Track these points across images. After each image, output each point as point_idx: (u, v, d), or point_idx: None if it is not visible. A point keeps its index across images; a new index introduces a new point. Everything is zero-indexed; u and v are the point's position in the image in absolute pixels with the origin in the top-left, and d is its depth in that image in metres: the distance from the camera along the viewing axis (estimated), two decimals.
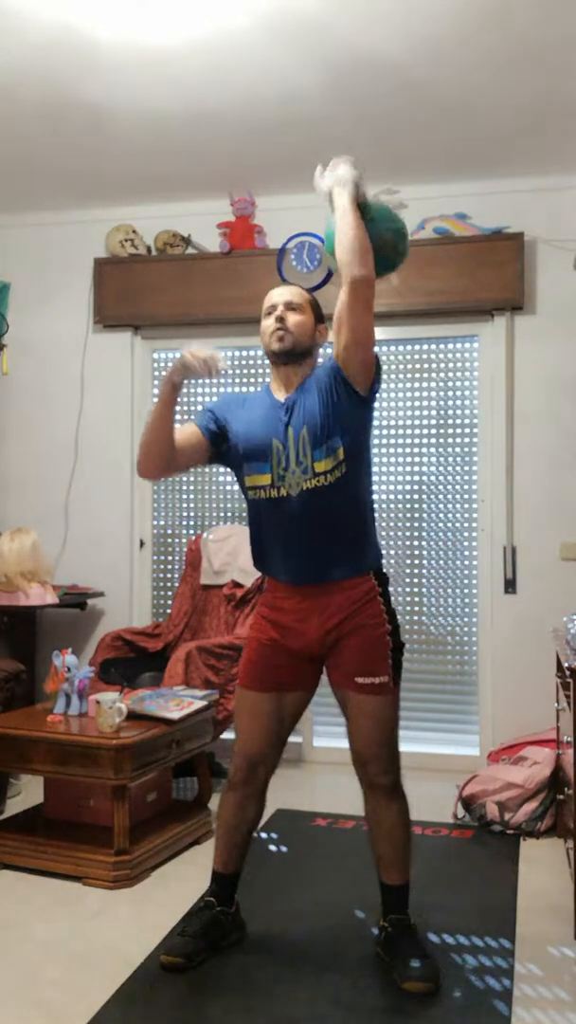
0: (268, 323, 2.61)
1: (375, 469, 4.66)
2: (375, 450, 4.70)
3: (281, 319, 2.57)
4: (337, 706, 2.65)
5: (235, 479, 2.72)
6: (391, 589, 2.69)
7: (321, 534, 2.53)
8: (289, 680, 2.63)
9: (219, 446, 2.65)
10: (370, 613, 2.57)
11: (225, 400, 2.76)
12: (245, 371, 4.92)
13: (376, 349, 2.58)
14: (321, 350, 2.71)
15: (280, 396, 2.62)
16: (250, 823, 2.71)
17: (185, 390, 5.01)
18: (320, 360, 2.69)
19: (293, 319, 2.58)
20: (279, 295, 2.63)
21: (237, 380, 4.93)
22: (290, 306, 2.60)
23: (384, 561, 2.59)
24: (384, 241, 2.53)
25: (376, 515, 2.71)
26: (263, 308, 2.65)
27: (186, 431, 2.63)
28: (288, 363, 2.60)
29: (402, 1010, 2.39)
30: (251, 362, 4.91)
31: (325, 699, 2.79)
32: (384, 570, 2.67)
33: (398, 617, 2.62)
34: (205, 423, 2.65)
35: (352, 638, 2.55)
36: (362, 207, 2.50)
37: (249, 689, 2.66)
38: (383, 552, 2.72)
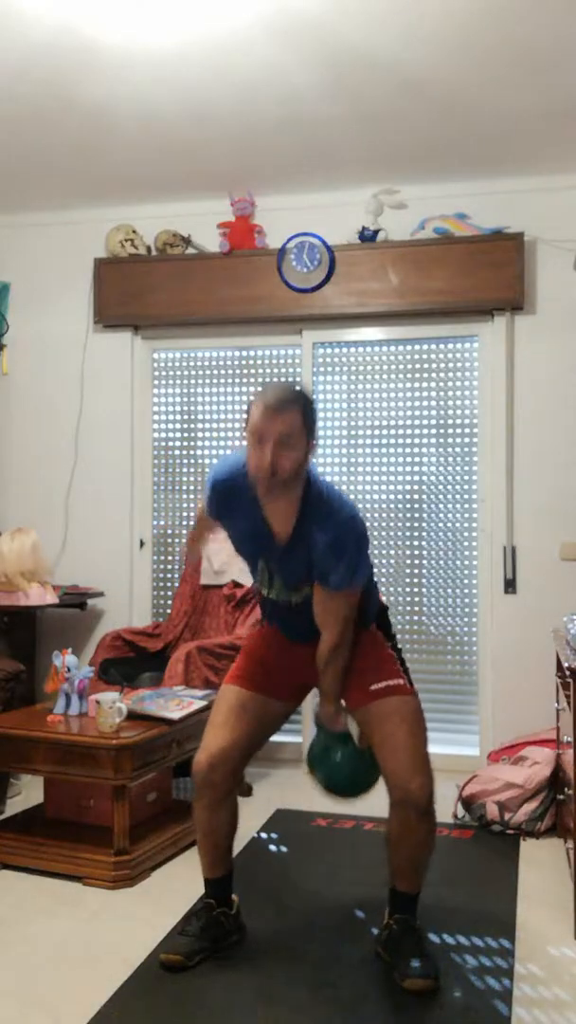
0: (256, 458, 2.29)
1: (376, 470, 4.67)
2: (375, 450, 4.71)
3: (273, 470, 2.27)
4: None
5: None
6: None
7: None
8: (275, 688, 2.64)
9: None
10: (370, 642, 2.63)
11: (214, 501, 2.55)
12: (245, 371, 4.92)
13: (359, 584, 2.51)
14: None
15: (271, 521, 2.48)
16: (225, 827, 2.66)
17: (185, 396, 5.00)
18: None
19: (287, 461, 2.29)
20: (274, 427, 2.26)
21: (236, 380, 4.93)
22: (284, 443, 2.27)
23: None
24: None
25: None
26: (251, 424, 2.30)
27: (208, 521, 2.70)
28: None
29: (402, 1010, 2.39)
30: (251, 362, 4.91)
31: None
32: (384, 606, 2.73)
33: (399, 616, 2.63)
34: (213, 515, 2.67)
35: (356, 661, 2.58)
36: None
37: (235, 685, 2.66)
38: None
